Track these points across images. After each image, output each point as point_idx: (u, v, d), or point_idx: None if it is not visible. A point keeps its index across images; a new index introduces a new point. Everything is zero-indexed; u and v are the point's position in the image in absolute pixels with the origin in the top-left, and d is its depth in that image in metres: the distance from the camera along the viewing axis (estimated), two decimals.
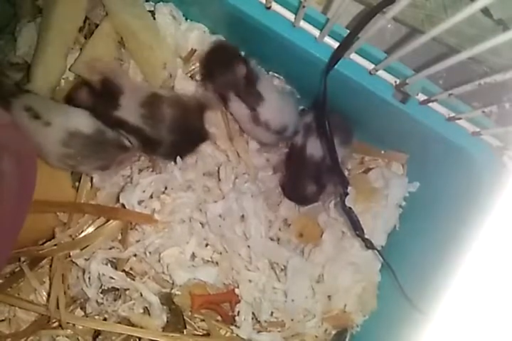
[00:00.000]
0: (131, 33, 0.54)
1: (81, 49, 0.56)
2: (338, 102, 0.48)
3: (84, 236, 0.53)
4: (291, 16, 0.45)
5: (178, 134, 0.52)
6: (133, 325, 0.52)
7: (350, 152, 0.62)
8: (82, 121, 0.50)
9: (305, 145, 0.56)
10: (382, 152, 0.62)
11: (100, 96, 0.51)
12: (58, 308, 0.51)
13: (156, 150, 0.53)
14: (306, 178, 0.56)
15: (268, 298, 0.54)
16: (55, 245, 0.53)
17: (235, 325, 0.54)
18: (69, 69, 0.56)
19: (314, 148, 0.55)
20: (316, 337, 0.57)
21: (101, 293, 0.53)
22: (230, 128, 0.58)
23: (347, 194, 0.49)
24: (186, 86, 0.57)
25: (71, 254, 0.52)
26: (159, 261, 0.52)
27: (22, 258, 0.54)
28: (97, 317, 0.53)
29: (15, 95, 0.50)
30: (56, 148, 0.49)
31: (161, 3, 0.56)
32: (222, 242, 0.54)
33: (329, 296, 0.57)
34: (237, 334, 0.53)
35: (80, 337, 0.53)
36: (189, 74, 0.58)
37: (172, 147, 0.53)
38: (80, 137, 0.50)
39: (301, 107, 0.62)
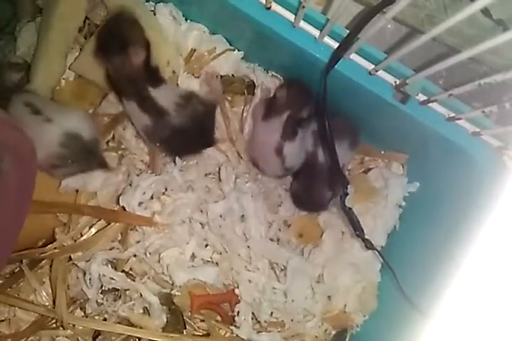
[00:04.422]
0: None
1: (81, 49, 0.56)
2: (338, 103, 0.48)
3: (86, 239, 0.52)
4: (291, 16, 0.45)
5: (197, 129, 0.52)
6: (133, 326, 0.52)
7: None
8: (82, 125, 0.50)
9: (316, 154, 0.56)
10: (382, 152, 0.62)
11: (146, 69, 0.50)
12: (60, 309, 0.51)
13: (167, 140, 0.52)
14: (322, 188, 0.56)
15: (268, 298, 0.54)
16: (56, 248, 0.52)
17: (235, 325, 0.53)
18: (68, 68, 0.56)
19: (325, 155, 0.56)
20: (316, 337, 0.57)
21: (101, 293, 0.53)
22: (230, 128, 0.58)
23: (347, 194, 0.49)
24: (190, 84, 0.57)
25: (72, 257, 0.52)
26: (159, 261, 0.52)
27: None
28: (96, 317, 0.53)
29: (15, 92, 0.50)
30: (51, 146, 0.48)
31: (161, 3, 0.56)
32: (222, 242, 0.54)
33: (329, 296, 0.57)
34: (236, 335, 0.53)
35: (79, 338, 0.53)
36: (191, 73, 0.58)
37: (185, 140, 0.53)
38: (78, 140, 0.49)
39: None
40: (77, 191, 0.54)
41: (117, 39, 0.49)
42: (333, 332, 0.59)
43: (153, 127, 0.51)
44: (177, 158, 0.55)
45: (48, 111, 0.49)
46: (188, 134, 0.52)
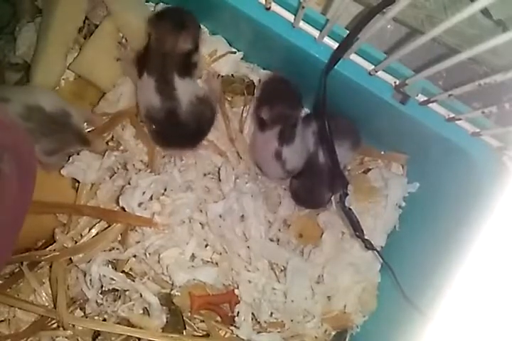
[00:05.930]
0: (135, 33, 0.53)
1: (80, 49, 0.56)
2: (338, 103, 0.48)
3: (86, 241, 0.52)
4: (290, 17, 0.45)
5: (193, 129, 0.53)
6: (132, 326, 0.52)
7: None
8: (45, 99, 0.49)
9: (317, 154, 0.57)
10: (382, 153, 0.62)
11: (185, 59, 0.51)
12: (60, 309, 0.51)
13: (164, 125, 0.53)
14: (322, 187, 0.57)
15: (268, 299, 0.54)
16: (55, 250, 0.52)
17: (235, 326, 0.53)
18: (68, 68, 0.56)
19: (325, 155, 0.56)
20: (316, 337, 0.57)
21: (100, 293, 0.53)
22: (230, 128, 0.58)
23: (347, 194, 0.49)
24: None
25: (72, 259, 0.52)
26: (159, 261, 0.52)
27: None
28: (96, 317, 0.53)
29: None
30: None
31: (161, 3, 0.56)
32: (222, 243, 0.54)
33: (329, 297, 0.57)
34: (236, 335, 0.53)
35: (79, 338, 0.53)
36: None
37: (179, 134, 0.54)
38: (40, 112, 0.48)
39: (305, 111, 0.62)
40: (76, 190, 0.54)
41: (180, 16, 0.51)
42: (333, 333, 0.59)
43: (159, 109, 0.51)
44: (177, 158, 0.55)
45: (5, 92, 0.48)
46: (183, 130, 0.53)
